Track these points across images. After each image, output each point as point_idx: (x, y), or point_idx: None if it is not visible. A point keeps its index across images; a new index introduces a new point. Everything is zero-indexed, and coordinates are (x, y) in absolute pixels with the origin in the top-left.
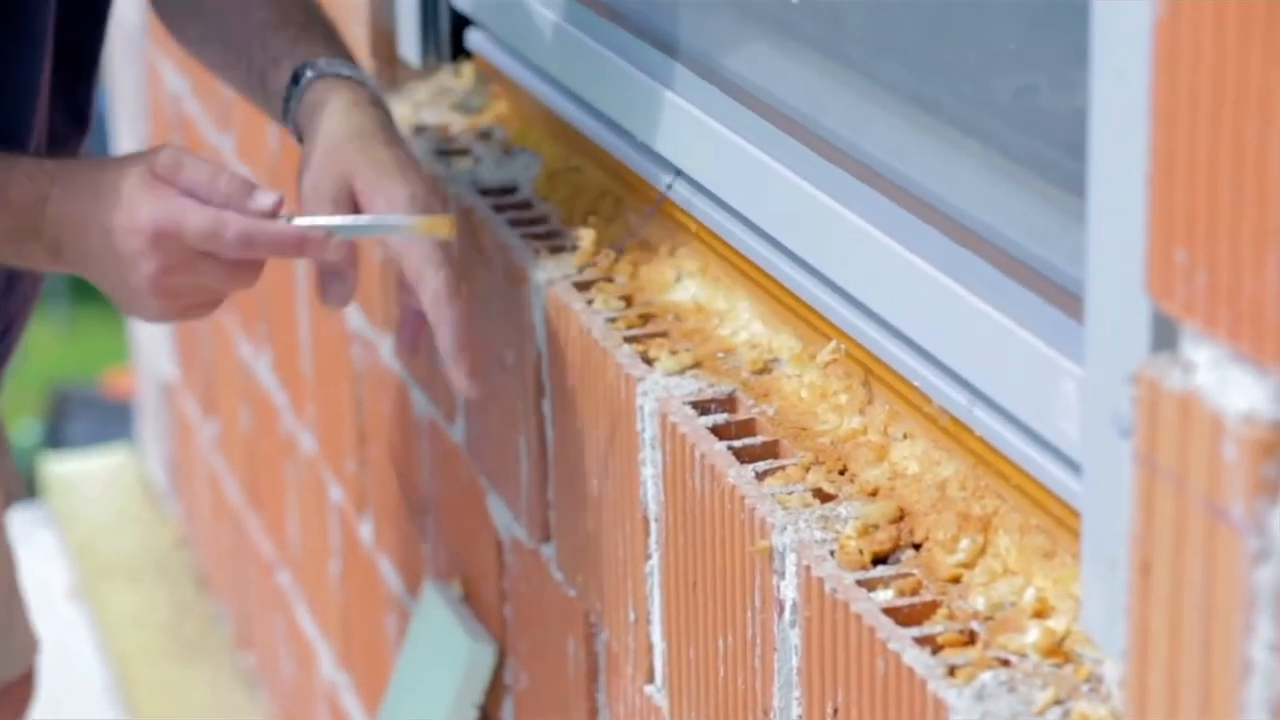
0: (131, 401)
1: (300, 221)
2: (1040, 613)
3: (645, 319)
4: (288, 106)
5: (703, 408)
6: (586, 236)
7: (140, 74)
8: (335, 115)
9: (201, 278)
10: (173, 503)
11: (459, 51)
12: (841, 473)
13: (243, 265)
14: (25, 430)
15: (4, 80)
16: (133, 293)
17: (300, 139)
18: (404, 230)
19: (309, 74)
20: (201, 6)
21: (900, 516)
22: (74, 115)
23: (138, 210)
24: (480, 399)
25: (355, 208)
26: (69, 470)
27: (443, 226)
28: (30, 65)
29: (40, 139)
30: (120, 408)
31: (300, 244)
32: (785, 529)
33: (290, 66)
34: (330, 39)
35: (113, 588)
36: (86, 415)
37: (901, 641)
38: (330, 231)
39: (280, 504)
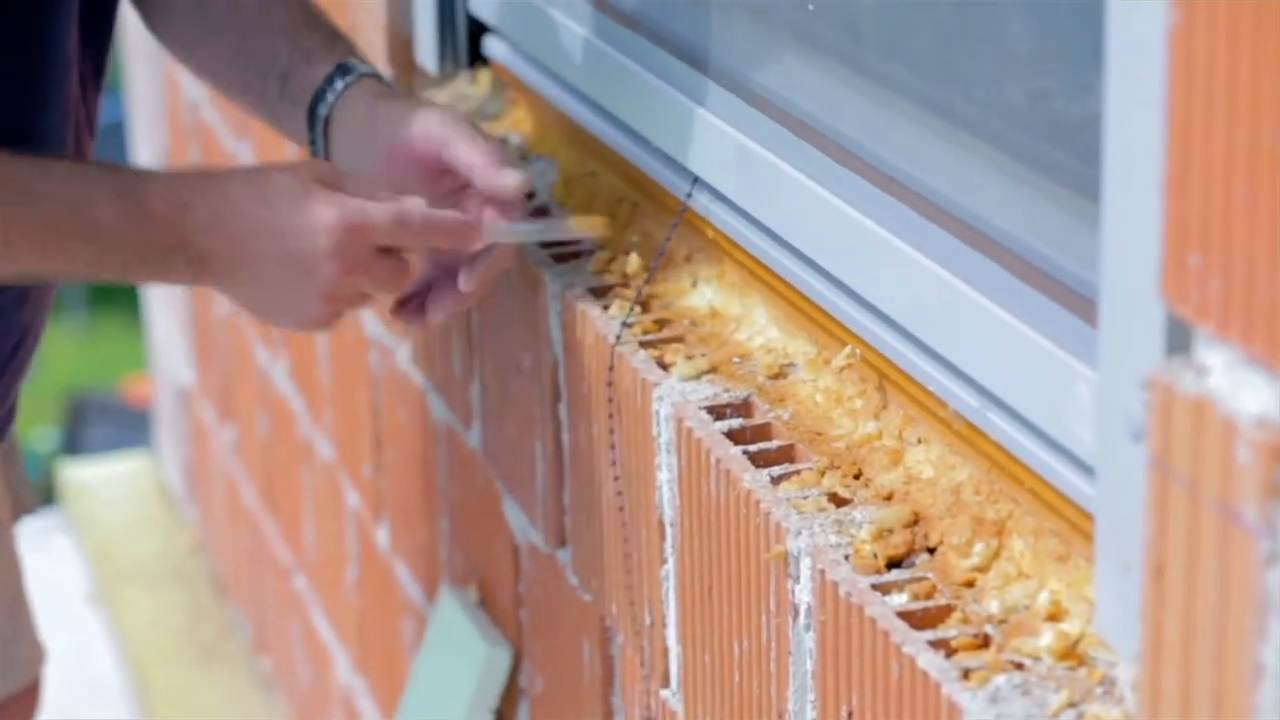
0: (149, 408)
1: (489, 227)
2: (1054, 616)
3: (661, 324)
4: (321, 95)
5: (718, 413)
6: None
7: (158, 82)
8: (397, 102)
9: (373, 277)
10: (190, 508)
11: (476, 58)
12: (856, 477)
13: (403, 265)
14: (44, 437)
15: (39, 96)
16: (296, 299)
17: (326, 129)
18: (562, 233)
19: (349, 75)
20: (207, 8)
21: (915, 521)
22: (88, 122)
23: (321, 209)
24: (498, 405)
25: (445, 166)
26: (87, 476)
27: (598, 225)
28: (60, 77)
29: (63, 100)
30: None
31: (469, 231)
32: (800, 533)
33: (328, 63)
34: (356, 48)
35: (130, 593)
36: (104, 421)
37: (916, 645)
38: (504, 232)
39: (297, 509)
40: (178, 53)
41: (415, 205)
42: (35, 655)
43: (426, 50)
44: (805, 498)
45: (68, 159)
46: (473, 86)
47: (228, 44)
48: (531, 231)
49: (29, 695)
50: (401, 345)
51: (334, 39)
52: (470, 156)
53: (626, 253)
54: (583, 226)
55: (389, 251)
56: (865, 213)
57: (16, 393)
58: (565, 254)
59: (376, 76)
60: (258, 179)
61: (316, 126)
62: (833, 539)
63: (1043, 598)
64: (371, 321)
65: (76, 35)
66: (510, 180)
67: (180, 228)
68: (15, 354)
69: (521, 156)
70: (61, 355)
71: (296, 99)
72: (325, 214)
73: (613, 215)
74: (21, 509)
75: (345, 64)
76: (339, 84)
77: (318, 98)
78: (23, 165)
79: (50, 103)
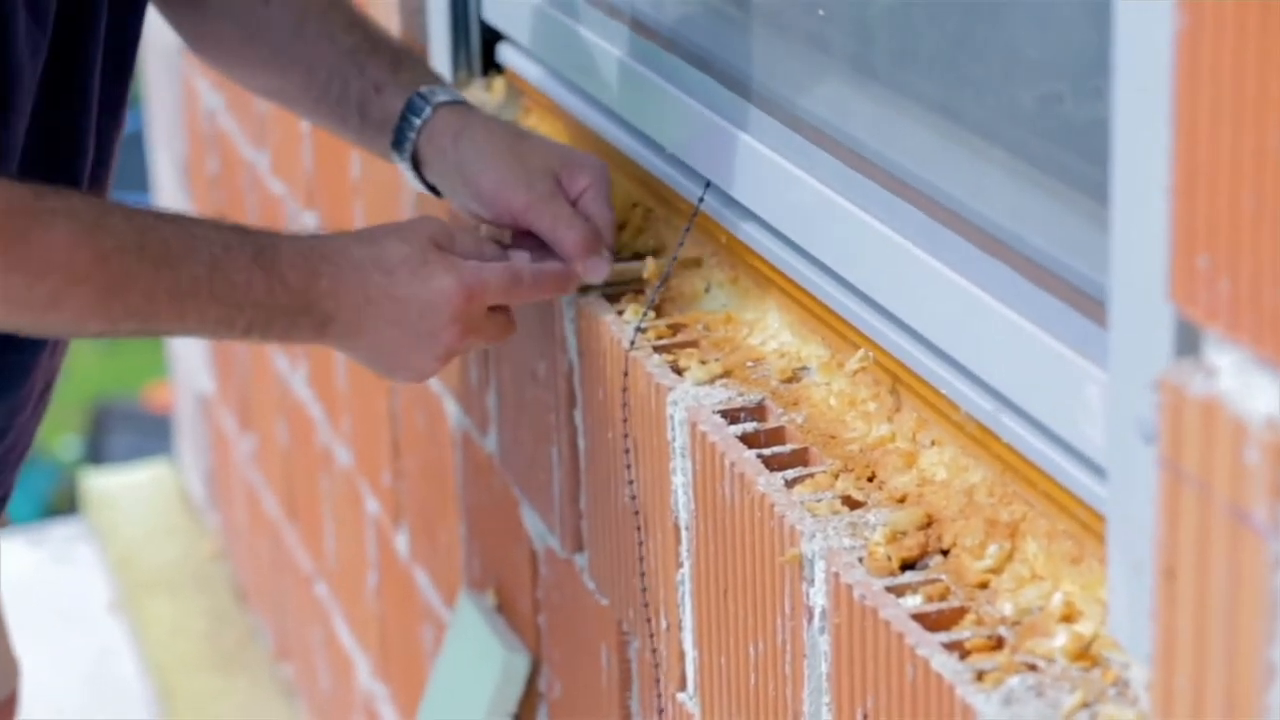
0: (170, 415)
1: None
2: (1067, 617)
3: (675, 329)
4: (403, 134)
5: (732, 416)
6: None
7: (176, 91)
8: (490, 131)
9: (485, 335)
10: (211, 515)
11: (490, 65)
12: (870, 480)
13: (509, 319)
14: (66, 445)
15: (63, 96)
16: (415, 359)
17: (415, 161)
18: (639, 271)
19: (427, 105)
20: (267, 30)
21: (928, 523)
22: (114, 116)
23: (441, 279)
24: (514, 411)
25: (561, 190)
26: (109, 484)
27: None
28: (85, 75)
29: (91, 145)
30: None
31: (570, 281)
32: (814, 536)
33: (399, 95)
34: (420, 64)
35: (153, 600)
36: (126, 429)
37: (930, 647)
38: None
39: (317, 516)
40: (245, 79)
41: (522, 264)
42: (11, 669)
43: (440, 58)
44: (819, 501)
45: (211, 219)
46: (487, 93)
47: (297, 71)
48: (617, 273)
49: (6, 709)
50: None
51: (398, 62)
52: (556, 236)
53: (640, 258)
54: (644, 269)
55: (496, 307)
56: (877, 216)
57: (49, 402)
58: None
59: (450, 104)
60: (379, 249)
61: (406, 163)
62: (846, 542)
63: (1056, 599)
64: None
65: (99, 78)
66: (592, 275)
67: (309, 293)
68: (51, 358)
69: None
70: (83, 364)
71: (380, 127)
72: (445, 284)
73: (626, 221)
74: None
75: (414, 101)
76: (415, 121)
77: (399, 136)
78: (166, 225)
79: (78, 149)
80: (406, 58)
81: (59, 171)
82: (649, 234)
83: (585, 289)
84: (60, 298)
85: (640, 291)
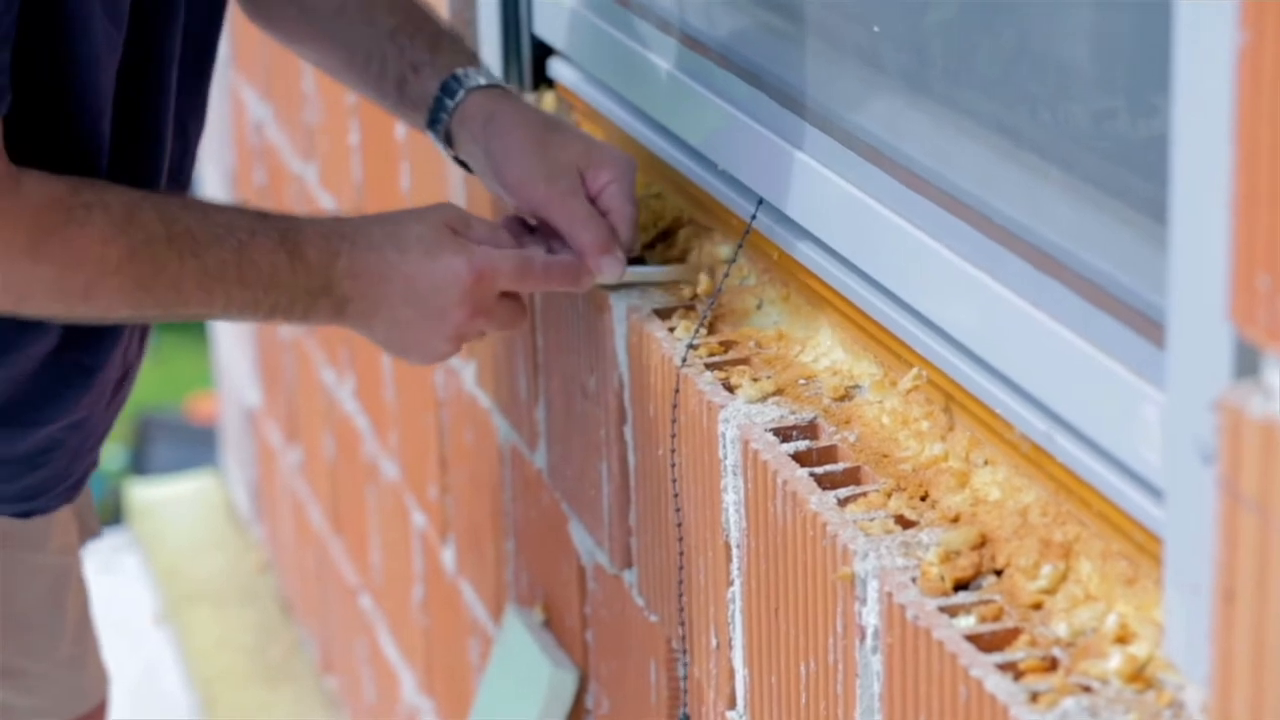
0: (214, 426)
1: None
2: (1122, 639)
3: (727, 346)
4: (437, 116)
5: (784, 434)
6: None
7: (224, 103)
8: (518, 121)
9: (495, 319)
10: (257, 528)
11: (541, 79)
12: (923, 499)
13: (521, 306)
14: (111, 456)
15: (143, 91)
16: (426, 339)
17: (449, 141)
18: (663, 276)
19: (460, 89)
20: (313, 10)
21: (982, 543)
22: (196, 107)
23: (451, 259)
24: (563, 426)
25: (583, 186)
26: (154, 495)
27: (688, 272)
28: (164, 70)
29: (170, 137)
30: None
31: (584, 276)
32: (867, 555)
33: (435, 76)
34: (460, 46)
35: (198, 612)
36: (171, 440)
37: (983, 668)
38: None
39: (363, 530)
40: (296, 50)
41: (534, 253)
42: (100, 678)
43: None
44: (872, 520)
45: (233, 205)
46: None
47: (339, 49)
48: (638, 275)
49: (95, 717)
50: (467, 367)
51: (437, 44)
52: (572, 233)
53: (693, 274)
54: (689, 269)
55: (510, 294)
56: (930, 234)
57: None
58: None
59: (484, 88)
60: (395, 228)
61: (440, 139)
62: (900, 561)
63: (1110, 620)
64: None
65: (177, 71)
66: (605, 274)
67: (329, 273)
68: (120, 387)
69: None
70: None
71: (416, 105)
72: (456, 264)
73: (677, 237)
74: (88, 533)
75: (448, 82)
76: (449, 103)
77: (434, 115)
78: (193, 214)
79: (158, 141)
80: (446, 39)
81: (141, 164)
82: (701, 251)
83: (636, 307)
84: (93, 289)
85: (692, 308)
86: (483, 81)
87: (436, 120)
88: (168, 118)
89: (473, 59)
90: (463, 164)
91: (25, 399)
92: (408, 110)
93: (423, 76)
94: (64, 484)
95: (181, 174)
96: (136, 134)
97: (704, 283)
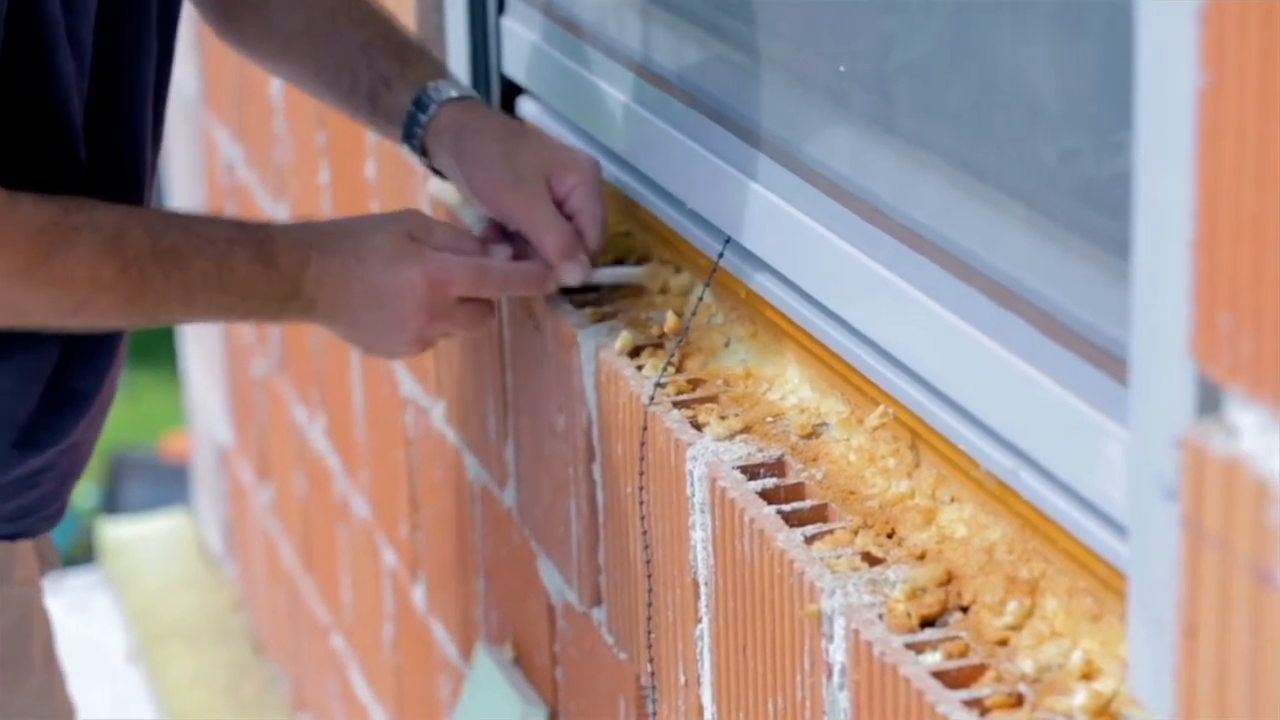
0: (186, 464)
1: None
2: (1088, 675)
3: (695, 384)
4: (411, 129)
5: (752, 472)
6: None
7: (196, 142)
8: (486, 130)
9: (455, 322)
10: (229, 566)
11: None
12: (889, 536)
13: (483, 309)
14: (83, 494)
15: (114, 98)
16: (389, 341)
17: (424, 153)
18: (623, 279)
19: (432, 103)
20: (281, 26)
21: (948, 580)
22: (156, 139)
23: (409, 268)
24: (532, 464)
25: (549, 191)
26: (126, 534)
27: (645, 273)
28: (135, 85)
29: (151, 164)
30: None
31: (543, 281)
32: (834, 593)
33: (406, 90)
34: (427, 57)
35: (171, 650)
36: (144, 479)
37: (950, 704)
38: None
39: (334, 568)
40: (266, 66)
41: (494, 260)
42: (69, 711)
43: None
44: (839, 557)
45: (211, 216)
46: None
47: (308, 64)
48: (604, 276)
49: None
50: (437, 405)
51: (405, 57)
52: (536, 237)
53: (656, 277)
54: (651, 274)
55: (471, 298)
56: (897, 272)
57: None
58: (600, 314)
59: (455, 100)
60: (358, 237)
61: (415, 151)
62: (866, 598)
63: (1076, 656)
64: (407, 381)
65: (152, 83)
66: (568, 277)
67: (299, 279)
68: (97, 396)
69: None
70: None
71: (389, 119)
72: (411, 273)
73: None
74: (46, 565)
75: (419, 97)
76: (422, 118)
77: (407, 130)
78: (175, 229)
79: (133, 142)
80: (414, 51)
81: (121, 175)
82: (669, 289)
83: (604, 345)
84: (85, 306)
85: (660, 346)
86: (454, 94)
87: (411, 135)
88: (144, 139)
89: (441, 70)
90: (439, 174)
91: (30, 424)
92: (381, 123)
93: (394, 90)
94: (50, 507)
95: (150, 183)
96: (115, 157)
97: (671, 321)
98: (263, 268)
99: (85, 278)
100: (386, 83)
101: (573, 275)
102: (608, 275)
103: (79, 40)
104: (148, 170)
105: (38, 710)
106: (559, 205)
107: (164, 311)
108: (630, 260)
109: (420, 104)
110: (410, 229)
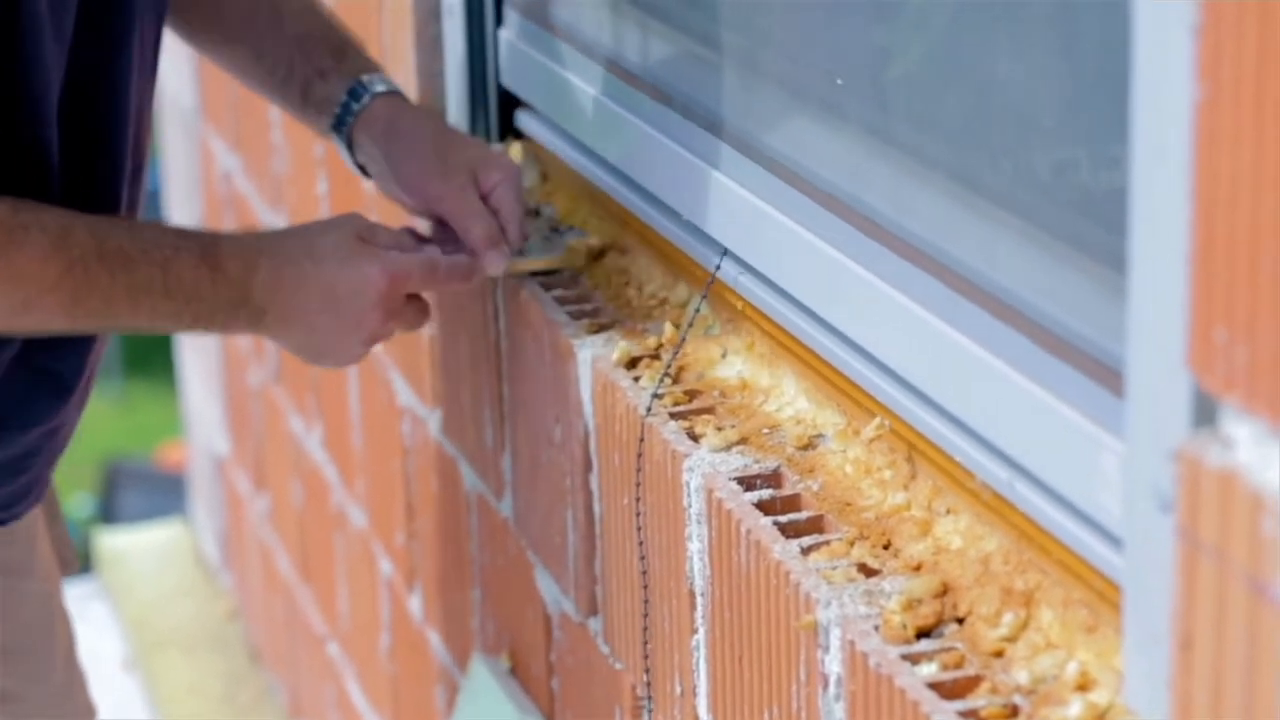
0: (183, 474)
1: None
2: (1083, 686)
3: (691, 395)
4: (342, 119)
5: (748, 483)
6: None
7: (193, 152)
8: (417, 124)
9: (405, 320)
10: (226, 576)
11: (508, 130)
12: (885, 548)
13: (426, 306)
14: (79, 504)
15: (94, 94)
16: (342, 343)
17: (350, 145)
18: (550, 261)
19: (365, 94)
20: (224, 16)
21: (943, 591)
22: (139, 145)
23: (366, 268)
24: (529, 475)
25: (474, 185)
26: (123, 544)
27: (580, 248)
28: (116, 81)
29: (129, 179)
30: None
31: (478, 272)
32: (830, 604)
33: (340, 82)
34: (363, 54)
35: (167, 660)
36: (140, 489)
37: (945, 715)
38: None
39: (331, 577)
40: (206, 53)
41: (436, 255)
42: (89, 711)
43: (458, 122)
44: (835, 568)
45: (156, 223)
46: None
47: (247, 53)
48: (522, 264)
49: None
50: (434, 415)
51: (343, 51)
52: (463, 226)
53: (573, 258)
54: (570, 254)
55: (414, 296)
56: (893, 284)
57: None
58: (597, 325)
59: (387, 94)
60: (309, 240)
61: (342, 143)
62: (862, 609)
63: (1071, 668)
64: (404, 391)
65: (138, 76)
66: (491, 267)
67: (248, 285)
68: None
69: (553, 229)
70: (97, 422)
71: (320, 110)
72: (370, 270)
73: (642, 288)
74: (66, 568)
75: (354, 87)
76: (355, 106)
77: (338, 120)
78: (121, 232)
79: (119, 133)
80: (350, 47)
81: (95, 178)
82: (666, 300)
83: (601, 357)
84: (31, 304)
85: (657, 357)
86: (384, 89)
87: (341, 123)
88: (125, 136)
89: (375, 66)
90: (362, 169)
91: (2, 406)
92: (311, 113)
93: (329, 82)
94: (36, 488)
95: (136, 188)
96: (90, 153)
97: (668, 332)
98: (208, 271)
99: (31, 275)
100: (322, 74)
101: (496, 265)
102: (523, 263)
103: (61, 33)
104: (125, 176)
105: (62, 708)
106: (483, 200)
107: (109, 315)
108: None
109: (354, 94)
110: (358, 230)
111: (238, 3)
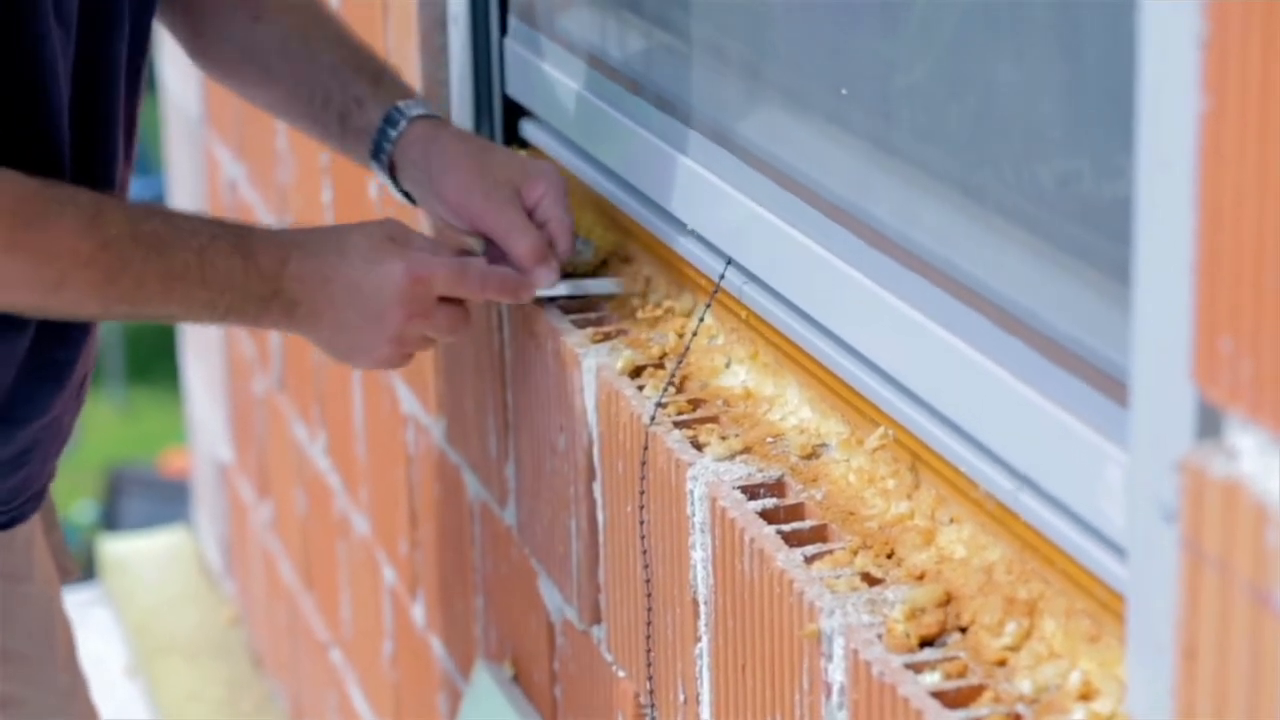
0: (186, 481)
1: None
2: (1086, 695)
3: (695, 404)
4: (381, 146)
5: (752, 492)
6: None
7: (199, 161)
8: (457, 143)
9: (434, 323)
10: (228, 582)
11: (513, 139)
12: (889, 557)
13: (462, 312)
14: (82, 510)
15: (94, 87)
16: (368, 341)
17: (392, 169)
18: (600, 289)
19: (402, 119)
20: (256, 53)
21: (947, 600)
22: (129, 137)
23: (390, 265)
24: (533, 483)
25: (519, 200)
26: (125, 550)
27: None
28: (110, 74)
29: (123, 162)
30: (177, 488)
31: (521, 287)
32: (833, 612)
33: (377, 109)
34: (398, 79)
35: (169, 666)
36: (143, 495)
37: None
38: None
39: (334, 585)
40: (243, 94)
41: (474, 261)
42: (90, 714)
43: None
44: (838, 577)
45: (191, 213)
46: None
47: (283, 88)
48: (576, 287)
49: None
50: (437, 423)
51: (378, 79)
52: (509, 242)
53: (631, 287)
54: (619, 285)
55: (450, 301)
56: (897, 294)
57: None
58: (602, 334)
59: (424, 117)
60: (339, 237)
61: (383, 170)
62: (865, 618)
63: (1074, 677)
64: (408, 399)
65: (124, 64)
66: (541, 283)
67: (280, 278)
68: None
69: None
70: (100, 429)
71: (359, 138)
72: (393, 267)
73: (646, 297)
74: (65, 574)
75: (390, 114)
76: (392, 133)
77: (377, 146)
78: (156, 217)
79: (108, 122)
80: (385, 74)
81: (97, 165)
82: (671, 309)
83: (605, 365)
84: (65, 281)
85: (661, 366)
86: (423, 111)
87: (380, 150)
88: (118, 118)
89: (410, 91)
90: (406, 195)
91: (10, 399)
92: (350, 142)
93: (366, 109)
94: (34, 487)
95: (128, 173)
96: (92, 135)
97: (672, 341)
98: (241, 261)
99: (65, 250)
100: (359, 102)
101: (545, 280)
102: (587, 286)
103: (65, 19)
104: (120, 159)
105: (64, 713)
106: (528, 214)
107: (143, 299)
108: (604, 273)
109: (391, 120)
110: (390, 232)
111: (268, 37)
